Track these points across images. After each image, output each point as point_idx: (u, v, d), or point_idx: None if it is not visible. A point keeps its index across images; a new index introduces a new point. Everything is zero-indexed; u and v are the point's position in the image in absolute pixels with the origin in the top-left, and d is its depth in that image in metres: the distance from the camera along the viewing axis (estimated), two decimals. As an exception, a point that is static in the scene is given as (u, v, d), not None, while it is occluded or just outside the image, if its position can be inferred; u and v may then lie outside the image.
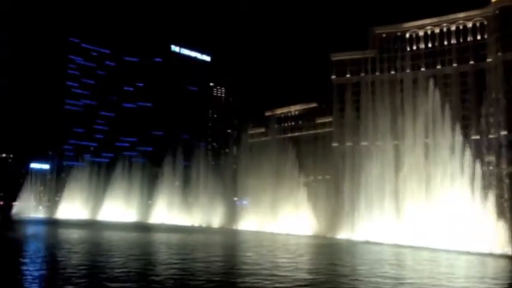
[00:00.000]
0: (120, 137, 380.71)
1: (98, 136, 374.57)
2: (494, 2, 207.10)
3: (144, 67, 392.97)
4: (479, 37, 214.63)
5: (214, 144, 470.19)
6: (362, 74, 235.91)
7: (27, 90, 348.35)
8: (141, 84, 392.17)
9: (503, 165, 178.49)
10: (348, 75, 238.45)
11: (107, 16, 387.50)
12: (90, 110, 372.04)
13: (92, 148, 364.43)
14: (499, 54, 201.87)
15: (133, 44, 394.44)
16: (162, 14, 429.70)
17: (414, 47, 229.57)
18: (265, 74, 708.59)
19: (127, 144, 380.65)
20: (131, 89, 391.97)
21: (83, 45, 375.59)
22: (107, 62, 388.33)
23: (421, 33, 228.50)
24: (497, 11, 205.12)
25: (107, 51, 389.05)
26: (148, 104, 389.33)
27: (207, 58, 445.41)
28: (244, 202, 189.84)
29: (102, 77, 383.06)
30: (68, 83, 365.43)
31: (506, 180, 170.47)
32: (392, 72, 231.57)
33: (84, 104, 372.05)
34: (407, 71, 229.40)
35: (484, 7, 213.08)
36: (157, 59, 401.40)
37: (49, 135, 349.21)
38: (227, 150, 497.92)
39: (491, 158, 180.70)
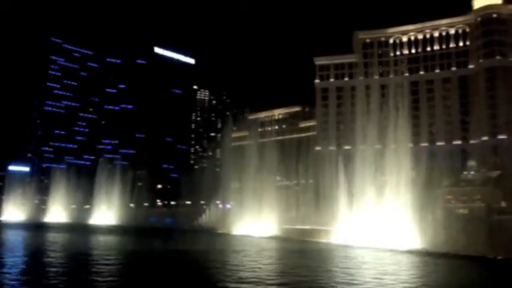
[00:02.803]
0: (102, 140, 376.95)
1: (79, 138, 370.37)
2: (476, 9, 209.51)
3: (127, 69, 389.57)
4: (461, 44, 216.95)
5: (198, 147, 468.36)
6: (346, 79, 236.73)
7: (6, 90, 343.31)
8: (123, 86, 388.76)
9: (484, 169, 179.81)
10: (331, 80, 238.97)
11: (90, 17, 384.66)
12: (71, 112, 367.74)
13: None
14: (481, 61, 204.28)
15: (116, 46, 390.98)
16: (146, 16, 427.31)
17: (398, 52, 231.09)
18: (250, 77, 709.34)
19: (109, 147, 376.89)
20: (114, 90, 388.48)
21: (65, 45, 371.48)
22: (90, 63, 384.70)
23: (404, 38, 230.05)
24: (479, 19, 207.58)
25: (90, 52, 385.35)
26: (131, 106, 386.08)
27: (191, 61, 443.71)
28: (228, 205, 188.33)
29: (84, 78, 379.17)
30: (49, 83, 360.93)
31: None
32: (376, 77, 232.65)
33: (66, 106, 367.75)
34: (391, 76, 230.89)
35: (466, 14, 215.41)
36: (141, 61, 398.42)
37: (28, 137, 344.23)
38: (210, 154, 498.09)
39: (472, 163, 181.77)
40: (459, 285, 42.41)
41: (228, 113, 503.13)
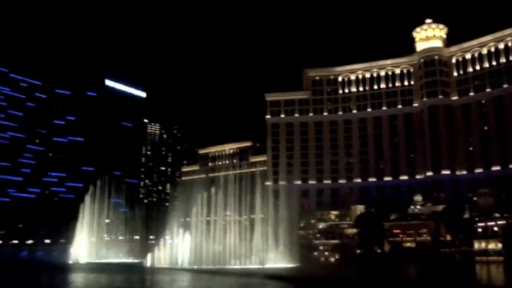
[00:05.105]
0: (48, 172, 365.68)
1: (24, 170, 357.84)
2: (419, 51, 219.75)
3: (77, 100, 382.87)
4: (406, 83, 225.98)
5: (147, 181, 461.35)
6: (296, 115, 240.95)
7: None
8: (72, 118, 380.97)
9: (429, 204, 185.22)
10: (281, 115, 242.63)
11: (40, 47, 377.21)
12: (17, 143, 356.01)
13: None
14: (424, 99, 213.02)
15: (66, 77, 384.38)
16: (97, 48, 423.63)
17: (346, 90, 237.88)
18: (201, 112, 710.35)
19: (55, 180, 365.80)
20: (62, 122, 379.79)
21: (12, 75, 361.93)
22: (37, 94, 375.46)
23: (352, 77, 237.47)
24: (422, 60, 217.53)
25: (38, 83, 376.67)
26: (80, 139, 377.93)
27: (143, 94, 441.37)
28: (176, 241, 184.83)
29: (32, 109, 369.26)
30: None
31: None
32: (325, 113, 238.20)
33: (11, 136, 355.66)
34: (340, 112, 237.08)
35: (410, 55, 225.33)
36: (91, 93, 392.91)
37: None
38: (160, 188, 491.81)
39: (418, 197, 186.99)
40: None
41: (178, 147, 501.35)
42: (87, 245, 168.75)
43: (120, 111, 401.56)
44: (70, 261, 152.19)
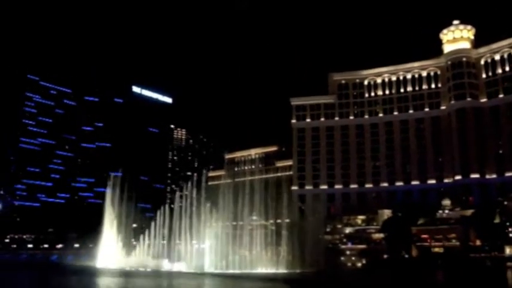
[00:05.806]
0: (77, 178, 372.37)
1: (54, 176, 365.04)
2: (446, 53, 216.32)
3: (105, 107, 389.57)
4: (433, 85, 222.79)
5: (174, 186, 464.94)
6: (321, 119, 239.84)
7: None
8: (100, 124, 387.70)
9: (458, 208, 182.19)
10: (307, 120, 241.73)
11: (68, 55, 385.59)
12: (46, 149, 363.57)
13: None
14: (452, 102, 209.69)
15: (94, 84, 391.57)
16: (124, 55, 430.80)
17: (372, 94, 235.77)
18: (227, 117, 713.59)
19: (84, 185, 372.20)
20: (90, 128, 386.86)
21: (42, 83, 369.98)
22: (66, 101, 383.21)
23: (378, 80, 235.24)
24: (449, 62, 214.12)
25: (67, 90, 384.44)
26: (107, 144, 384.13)
27: (169, 100, 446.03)
28: (203, 246, 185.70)
29: (61, 115, 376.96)
30: (24, 120, 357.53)
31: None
32: (351, 117, 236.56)
33: (41, 143, 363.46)
34: (366, 116, 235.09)
35: (437, 57, 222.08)
36: (118, 100, 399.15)
37: (1, 174, 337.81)
38: (186, 193, 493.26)
39: (447, 202, 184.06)
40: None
41: (204, 153, 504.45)
42: (115, 249, 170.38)
43: (146, 117, 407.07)
44: (99, 266, 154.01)
